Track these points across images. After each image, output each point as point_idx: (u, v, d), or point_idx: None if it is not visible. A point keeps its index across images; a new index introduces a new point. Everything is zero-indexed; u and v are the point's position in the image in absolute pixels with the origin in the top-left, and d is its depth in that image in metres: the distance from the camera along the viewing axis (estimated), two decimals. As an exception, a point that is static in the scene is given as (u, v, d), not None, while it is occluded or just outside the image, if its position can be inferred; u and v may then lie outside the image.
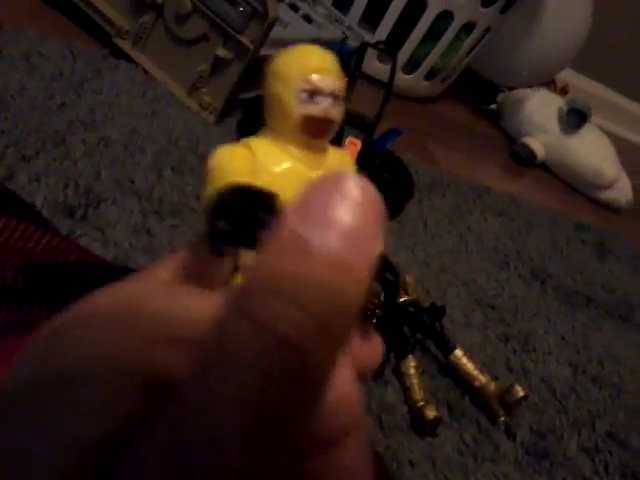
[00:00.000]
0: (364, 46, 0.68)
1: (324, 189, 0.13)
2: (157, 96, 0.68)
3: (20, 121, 0.53)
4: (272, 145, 0.19)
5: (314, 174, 0.19)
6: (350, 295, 0.12)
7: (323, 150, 0.20)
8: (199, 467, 0.12)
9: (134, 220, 0.50)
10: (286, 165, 0.19)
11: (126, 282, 0.15)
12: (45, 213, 0.46)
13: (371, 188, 0.13)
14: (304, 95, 0.18)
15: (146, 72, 0.71)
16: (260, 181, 0.18)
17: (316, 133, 0.19)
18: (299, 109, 0.18)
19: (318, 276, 0.12)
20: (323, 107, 0.18)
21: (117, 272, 0.26)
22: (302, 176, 0.19)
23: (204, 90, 0.70)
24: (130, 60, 0.71)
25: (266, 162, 0.19)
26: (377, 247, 0.13)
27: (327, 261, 0.12)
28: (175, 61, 0.71)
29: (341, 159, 0.21)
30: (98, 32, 0.72)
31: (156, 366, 0.13)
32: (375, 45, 0.70)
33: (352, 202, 0.13)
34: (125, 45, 0.72)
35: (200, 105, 0.71)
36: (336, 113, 0.19)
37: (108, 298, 0.14)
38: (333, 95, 0.19)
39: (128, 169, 0.55)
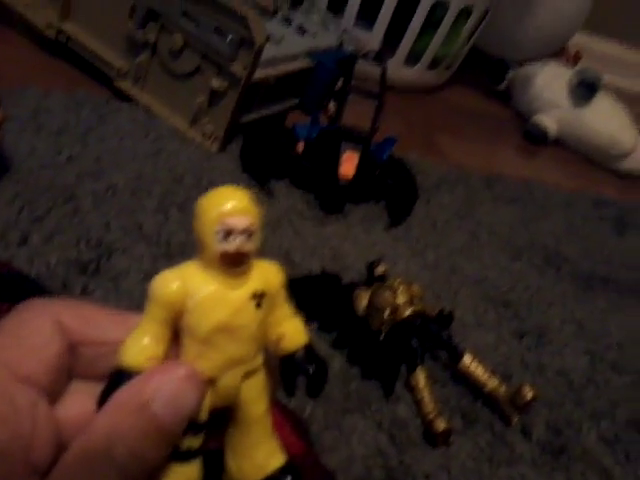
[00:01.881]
0: (353, 59, 0.69)
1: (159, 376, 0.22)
2: (160, 134, 0.70)
3: (31, 181, 0.57)
4: (200, 272, 0.23)
5: (232, 295, 0.23)
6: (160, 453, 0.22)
7: (244, 272, 0.24)
8: None
9: (144, 266, 0.53)
10: (210, 290, 0.23)
11: None
12: (60, 272, 0.49)
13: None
14: (220, 235, 0.22)
15: (148, 111, 0.74)
16: (189, 304, 0.23)
17: (232, 264, 0.23)
18: (216, 247, 0.22)
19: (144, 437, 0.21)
20: (236, 244, 0.22)
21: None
22: (223, 298, 0.23)
23: (205, 120, 0.73)
24: (131, 101, 0.74)
25: (193, 288, 0.23)
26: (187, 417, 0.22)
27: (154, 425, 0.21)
28: (174, 96, 0.74)
29: (261, 276, 0.24)
30: (101, 77, 0.75)
31: None
32: (364, 56, 0.71)
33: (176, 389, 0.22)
34: (126, 86, 0.75)
35: (203, 135, 0.73)
36: (250, 246, 0.23)
37: None
38: (247, 231, 0.22)
39: (136, 215, 0.58)
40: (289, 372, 0.25)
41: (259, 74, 0.74)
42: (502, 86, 1.28)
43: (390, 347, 0.52)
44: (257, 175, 0.69)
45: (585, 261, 0.79)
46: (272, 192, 0.68)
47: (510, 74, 1.28)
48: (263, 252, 0.66)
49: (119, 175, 0.61)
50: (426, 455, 0.46)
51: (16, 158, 0.58)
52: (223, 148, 0.73)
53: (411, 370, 0.51)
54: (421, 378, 0.50)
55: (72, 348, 0.24)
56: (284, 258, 0.59)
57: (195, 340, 0.23)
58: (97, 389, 0.24)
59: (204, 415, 0.24)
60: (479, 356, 0.54)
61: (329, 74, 0.86)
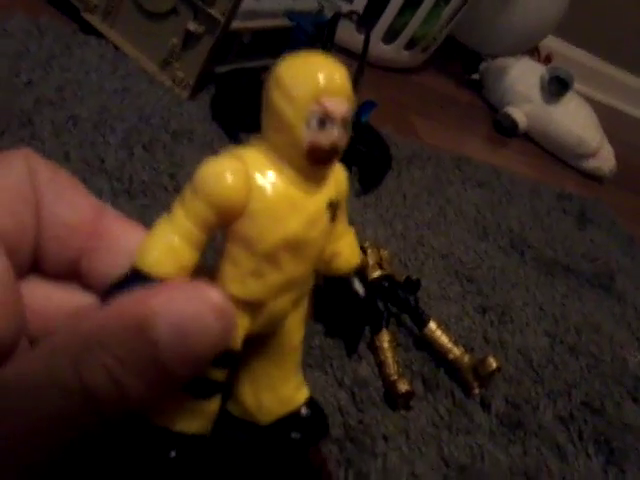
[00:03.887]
0: (336, 17, 0.67)
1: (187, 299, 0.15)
2: (128, 73, 0.66)
3: (-16, 101, 0.52)
4: (268, 162, 0.18)
5: (309, 202, 0.18)
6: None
7: (322, 177, 0.19)
8: None
9: (104, 200, 0.49)
10: (280, 189, 0.18)
11: None
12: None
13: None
14: (314, 121, 0.17)
15: (117, 48, 0.70)
16: (251, 207, 0.17)
17: (321, 162, 0.18)
18: (308, 136, 0.17)
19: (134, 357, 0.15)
20: (333, 137, 0.17)
21: None
22: (296, 204, 0.18)
23: (176, 65, 0.69)
24: (100, 36, 0.70)
25: (259, 183, 0.18)
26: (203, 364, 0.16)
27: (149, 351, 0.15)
28: (146, 36, 0.70)
29: (334, 180, 0.20)
30: (66, 7, 0.71)
31: None
32: (348, 15, 0.68)
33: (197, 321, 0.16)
34: (94, 20, 0.71)
35: (173, 80, 0.69)
36: (344, 141, 0.18)
37: None
38: (344, 121, 0.17)
39: (98, 148, 0.54)
40: (336, 295, 0.22)
41: (236, 24, 0.71)
42: (474, 76, 1.28)
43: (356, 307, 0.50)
44: (227, 125, 0.66)
45: (548, 249, 0.79)
46: (242, 143, 0.64)
47: (483, 66, 1.28)
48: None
49: (82, 107, 0.57)
50: (386, 417, 0.45)
51: (-31, 75, 0.54)
52: (194, 95, 0.69)
53: (375, 331, 0.49)
54: (385, 340, 0.49)
55: (39, 223, 0.18)
56: (252, 209, 0.57)
57: (253, 254, 0.18)
58: (64, 291, 0.20)
59: (238, 344, 0.19)
60: (444, 327, 0.52)
61: (307, 37, 0.83)
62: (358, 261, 0.22)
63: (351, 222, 0.58)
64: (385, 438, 0.43)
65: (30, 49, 0.61)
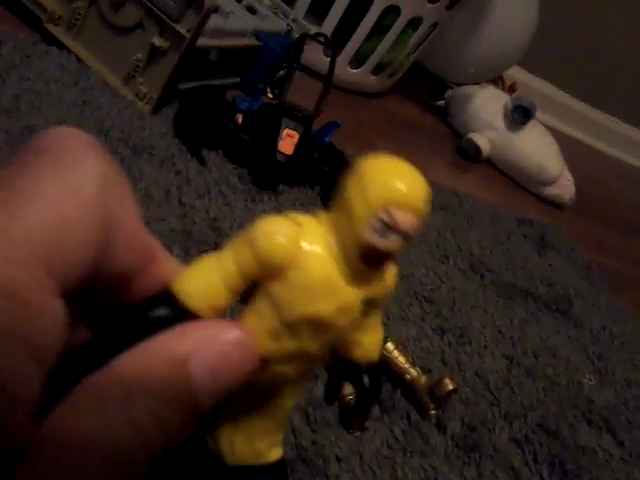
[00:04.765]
0: (303, 37, 0.67)
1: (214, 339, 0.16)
2: (90, 85, 0.65)
3: (-64, 108, 0.51)
4: (323, 239, 0.18)
5: (347, 292, 0.18)
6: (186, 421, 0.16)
7: (369, 275, 0.19)
8: None
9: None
10: (324, 268, 0.18)
11: None
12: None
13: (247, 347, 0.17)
14: (379, 225, 0.17)
15: (79, 60, 0.69)
16: (291, 274, 0.18)
17: (372, 263, 0.18)
18: (367, 235, 0.17)
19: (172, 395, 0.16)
20: (389, 243, 0.17)
21: None
22: (333, 289, 0.18)
23: (140, 80, 0.69)
24: (62, 47, 0.69)
25: (307, 254, 0.18)
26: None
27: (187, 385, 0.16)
28: (110, 49, 0.69)
29: (380, 280, 0.19)
30: (29, 17, 0.70)
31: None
32: (314, 37, 0.69)
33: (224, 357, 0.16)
34: (57, 31, 0.70)
35: (136, 95, 0.69)
36: (400, 249, 0.18)
37: None
38: (407, 233, 0.17)
39: (53, 159, 0.53)
40: (338, 378, 0.23)
41: (203, 42, 0.71)
42: (440, 102, 1.30)
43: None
44: (190, 141, 0.65)
45: (507, 273, 0.80)
46: (204, 160, 0.64)
47: (448, 93, 1.30)
48: (187, 215, 0.61)
49: (39, 118, 0.56)
50: (340, 438, 0.44)
51: None
52: (156, 110, 0.69)
53: (332, 351, 0.49)
54: (342, 360, 0.48)
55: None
56: (210, 225, 0.56)
57: (277, 317, 0.18)
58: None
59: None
60: (402, 348, 0.52)
61: (274, 57, 0.83)
62: (376, 359, 0.22)
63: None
64: (338, 459, 0.43)
65: (-12, 57, 0.60)
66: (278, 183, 0.66)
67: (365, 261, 0.18)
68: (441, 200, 0.89)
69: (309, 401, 0.45)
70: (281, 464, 0.23)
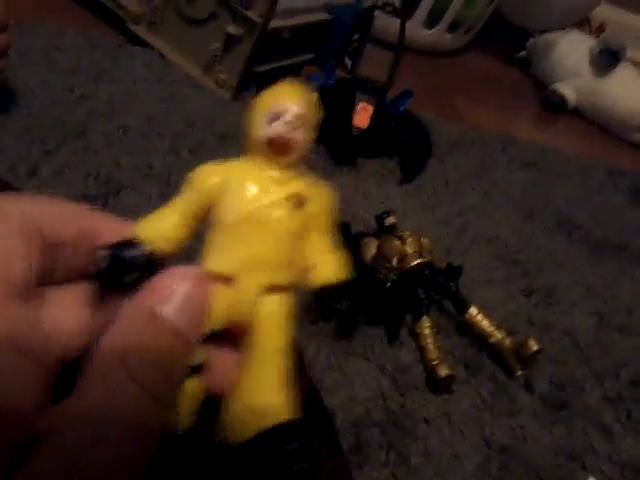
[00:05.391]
0: (371, 9, 0.68)
1: (171, 279, 0.20)
2: (173, 79, 0.69)
3: (42, 116, 0.56)
4: (243, 163, 0.23)
5: (273, 187, 0.22)
6: (177, 359, 0.19)
7: (288, 168, 0.22)
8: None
9: (153, 204, 0.52)
10: (248, 175, 0.22)
11: None
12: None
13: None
14: (266, 119, 0.22)
15: (162, 56, 0.73)
16: (225, 193, 0.22)
17: (276, 151, 0.22)
18: (260, 131, 0.22)
19: (157, 344, 0.18)
20: (280, 128, 0.22)
21: None
22: (260, 186, 0.22)
23: (219, 68, 0.72)
24: (146, 45, 0.73)
25: (233, 174, 0.22)
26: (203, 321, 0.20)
27: (167, 330, 0.19)
28: (189, 42, 0.73)
29: (307, 187, 0.23)
30: (115, 20, 0.74)
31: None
32: (382, 7, 0.69)
33: (186, 292, 0.19)
34: (140, 30, 0.74)
35: (216, 83, 0.72)
36: (296, 135, 0.22)
37: None
38: (295, 119, 0.22)
39: (147, 155, 0.57)
40: (324, 308, 0.23)
41: (275, 24, 0.73)
42: (522, 53, 1.26)
43: (396, 294, 0.51)
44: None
45: (598, 228, 0.78)
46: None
47: (530, 42, 1.25)
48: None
49: (130, 117, 0.61)
50: (428, 401, 0.46)
51: (27, 92, 0.58)
52: (237, 96, 0.72)
53: (416, 319, 0.51)
54: (426, 326, 0.50)
55: (47, 250, 0.21)
56: (293, 205, 0.59)
57: (221, 229, 0.21)
58: (77, 291, 0.22)
59: (219, 323, 0.21)
60: (486, 311, 0.53)
61: (346, 29, 0.84)
62: (337, 275, 0.23)
63: (392, 210, 0.59)
64: (427, 421, 0.45)
65: (82, 63, 0.65)
66: (356, 157, 0.68)
67: (271, 152, 0.22)
68: (526, 157, 0.87)
69: (396, 366, 0.47)
70: (293, 429, 0.21)
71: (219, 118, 0.67)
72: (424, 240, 0.57)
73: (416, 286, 0.53)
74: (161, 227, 0.22)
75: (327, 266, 0.23)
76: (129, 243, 0.21)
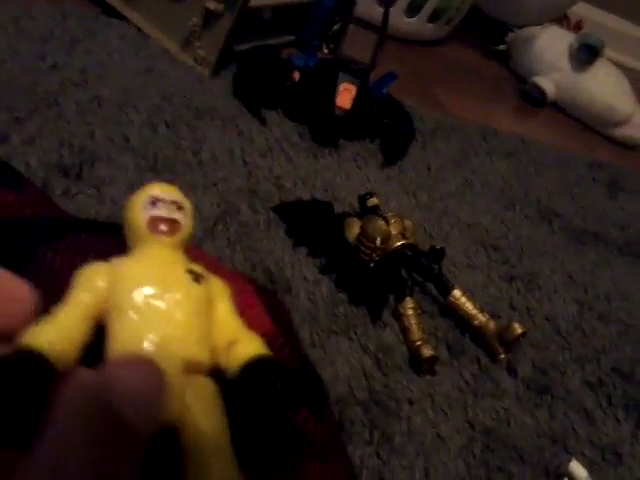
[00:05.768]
0: (355, -11, 0.67)
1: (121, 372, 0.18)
2: (151, 53, 0.67)
3: (11, 84, 0.53)
4: (130, 256, 0.23)
5: (167, 264, 0.22)
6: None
7: (176, 248, 0.23)
8: None
9: (129, 176, 0.50)
10: (139, 260, 0.23)
11: None
12: (40, 173, 0.46)
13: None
14: (146, 204, 0.23)
15: (139, 30, 0.71)
16: (118, 284, 0.21)
17: (162, 231, 0.23)
18: (143, 215, 0.23)
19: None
20: (163, 210, 0.23)
21: (65, 225, 0.27)
22: (154, 264, 0.22)
23: (198, 44, 0.70)
24: (122, 18, 0.71)
25: (122, 266, 0.22)
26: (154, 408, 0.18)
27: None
28: (167, 16, 0.71)
29: (201, 270, 0.23)
30: (89, -9, 0.72)
31: None
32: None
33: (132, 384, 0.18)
34: (116, 3, 0.72)
35: (195, 60, 0.70)
36: (179, 216, 0.23)
37: None
38: (174, 203, 0.24)
39: (122, 127, 0.55)
40: (250, 390, 0.20)
41: (256, 2, 0.71)
42: (501, 47, 1.26)
43: (379, 275, 0.50)
44: (249, 101, 0.66)
45: (577, 218, 0.78)
46: (264, 120, 0.65)
47: (510, 36, 1.25)
48: (251, 175, 0.63)
49: (105, 88, 0.59)
50: (411, 381, 0.45)
51: (-4, 60, 0.55)
52: (215, 73, 0.70)
53: (399, 299, 0.50)
54: (409, 307, 0.49)
55: None
56: (274, 183, 0.57)
57: (124, 315, 0.20)
58: None
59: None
60: (469, 295, 0.52)
61: (327, 12, 0.83)
62: (264, 349, 0.22)
63: (375, 192, 0.58)
64: (410, 402, 0.44)
65: (54, 33, 0.63)
66: (338, 138, 0.67)
67: (157, 232, 0.23)
68: (506, 147, 0.87)
69: (379, 346, 0.46)
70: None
71: (197, 94, 0.65)
72: (407, 222, 0.56)
73: (399, 267, 0.52)
74: (60, 335, 0.20)
75: (247, 342, 0.22)
76: (30, 355, 0.19)
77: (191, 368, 0.20)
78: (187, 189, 0.52)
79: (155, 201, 0.23)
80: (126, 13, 0.71)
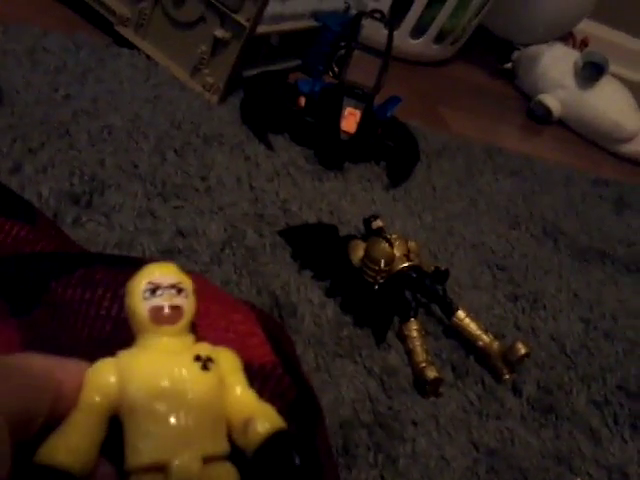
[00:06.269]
0: (359, 16, 0.68)
1: None
2: (160, 81, 0.69)
3: (25, 115, 0.55)
4: (135, 351, 0.22)
5: (174, 355, 0.22)
6: None
7: (182, 334, 0.23)
8: None
9: (138, 203, 0.52)
10: (145, 356, 0.22)
11: None
12: (51, 202, 0.48)
13: None
14: (146, 294, 0.22)
15: (149, 58, 0.72)
16: (127, 386, 0.21)
17: (165, 321, 0.22)
18: (144, 305, 0.22)
19: None
20: (164, 297, 0.22)
21: (74, 260, 0.28)
22: (160, 360, 0.22)
23: (206, 71, 0.72)
24: (133, 47, 0.73)
25: (129, 365, 0.21)
26: None
27: None
28: (176, 45, 0.72)
29: (209, 347, 0.23)
30: (101, 22, 0.74)
31: None
32: (370, 14, 0.69)
33: None
34: (127, 32, 0.74)
35: (203, 86, 0.72)
36: (181, 301, 0.23)
37: None
38: (174, 287, 0.23)
39: (132, 155, 0.57)
40: (267, 465, 0.21)
41: (263, 29, 0.73)
42: (507, 65, 1.27)
43: (383, 297, 0.51)
44: (256, 127, 0.68)
45: (583, 236, 0.78)
46: (271, 145, 0.66)
47: (515, 54, 1.27)
48: (258, 199, 0.65)
49: (116, 116, 0.60)
50: (415, 403, 0.46)
51: (11, 92, 0.57)
52: (223, 100, 0.72)
53: (404, 321, 0.50)
54: (413, 329, 0.50)
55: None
56: (281, 207, 0.59)
57: (136, 416, 0.20)
58: None
59: None
60: (473, 315, 0.53)
61: (333, 36, 0.84)
62: (282, 423, 0.22)
63: (380, 214, 0.59)
64: (414, 423, 0.44)
65: (67, 64, 0.65)
66: (344, 161, 0.68)
67: (160, 322, 0.22)
68: (511, 166, 0.88)
69: (383, 369, 0.47)
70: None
71: (205, 121, 0.66)
72: (411, 243, 0.57)
73: (404, 289, 0.53)
74: (78, 443, 0.20)
75: (263, 419, 0.22)
76: (52, 471, 0.19)
77: (209, 459, 0.21)
78: (195, 214, 0.53)
79: (155, 288, 0.22)
80: (136, 42, 0.73)
